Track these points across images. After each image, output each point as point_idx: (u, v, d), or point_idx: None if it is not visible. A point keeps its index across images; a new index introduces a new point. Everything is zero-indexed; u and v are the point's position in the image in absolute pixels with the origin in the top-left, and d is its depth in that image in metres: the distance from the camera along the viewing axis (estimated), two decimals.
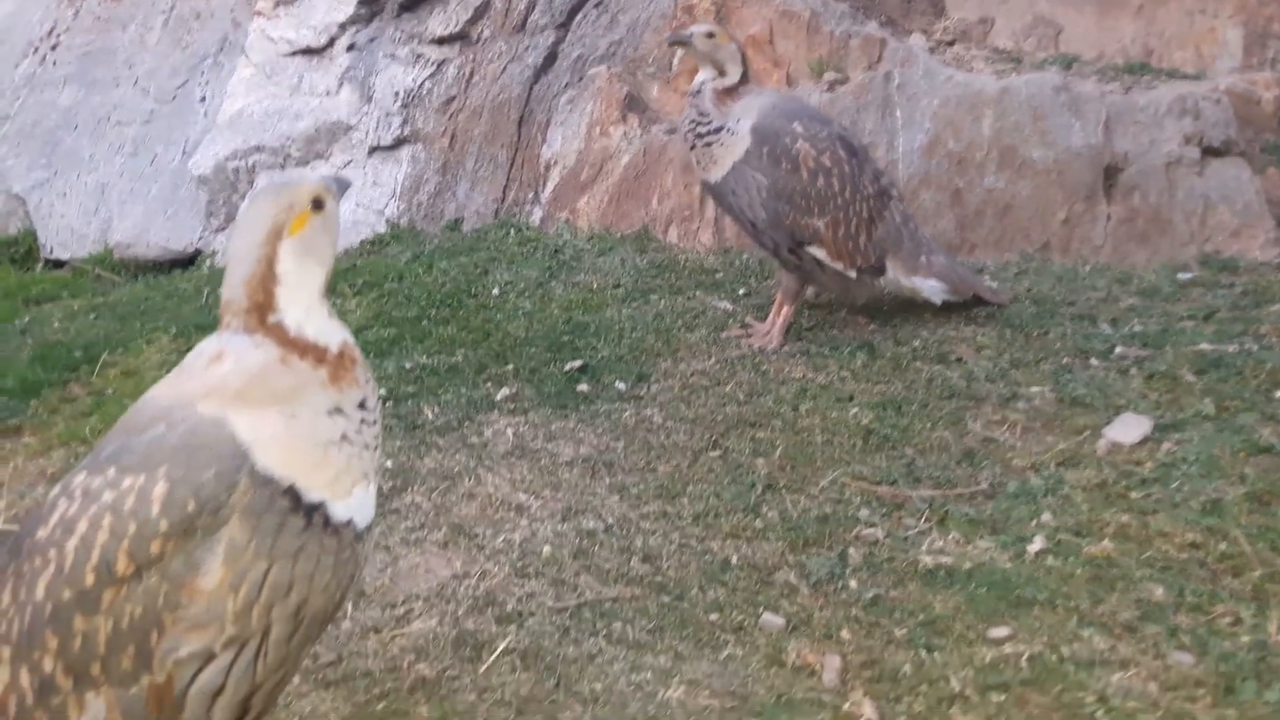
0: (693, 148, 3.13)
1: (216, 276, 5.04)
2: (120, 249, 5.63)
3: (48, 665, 1.33)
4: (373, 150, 5.20)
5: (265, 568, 1.36)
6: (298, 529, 1.38)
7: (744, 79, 3.12)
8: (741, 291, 3.64)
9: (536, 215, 4.67)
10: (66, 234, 5.86)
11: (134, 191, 5.75)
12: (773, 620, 2.12)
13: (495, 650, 2.11)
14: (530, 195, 4.78)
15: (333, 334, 1.49)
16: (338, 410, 1.46)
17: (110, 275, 5.49)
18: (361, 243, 5.03)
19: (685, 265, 3.96)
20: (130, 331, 4.22)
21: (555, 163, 4.67)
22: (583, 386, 3.14)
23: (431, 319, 3.85)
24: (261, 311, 1.45)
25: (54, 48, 6.26)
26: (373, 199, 5.15)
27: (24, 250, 6.04)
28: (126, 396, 3.65)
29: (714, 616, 2.17)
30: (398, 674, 2.07)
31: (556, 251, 4.30)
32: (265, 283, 1.46)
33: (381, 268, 4.38)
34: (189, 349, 4.23)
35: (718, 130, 3.06)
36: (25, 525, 1.42)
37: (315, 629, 1.46)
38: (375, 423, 1.52)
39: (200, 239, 5.53)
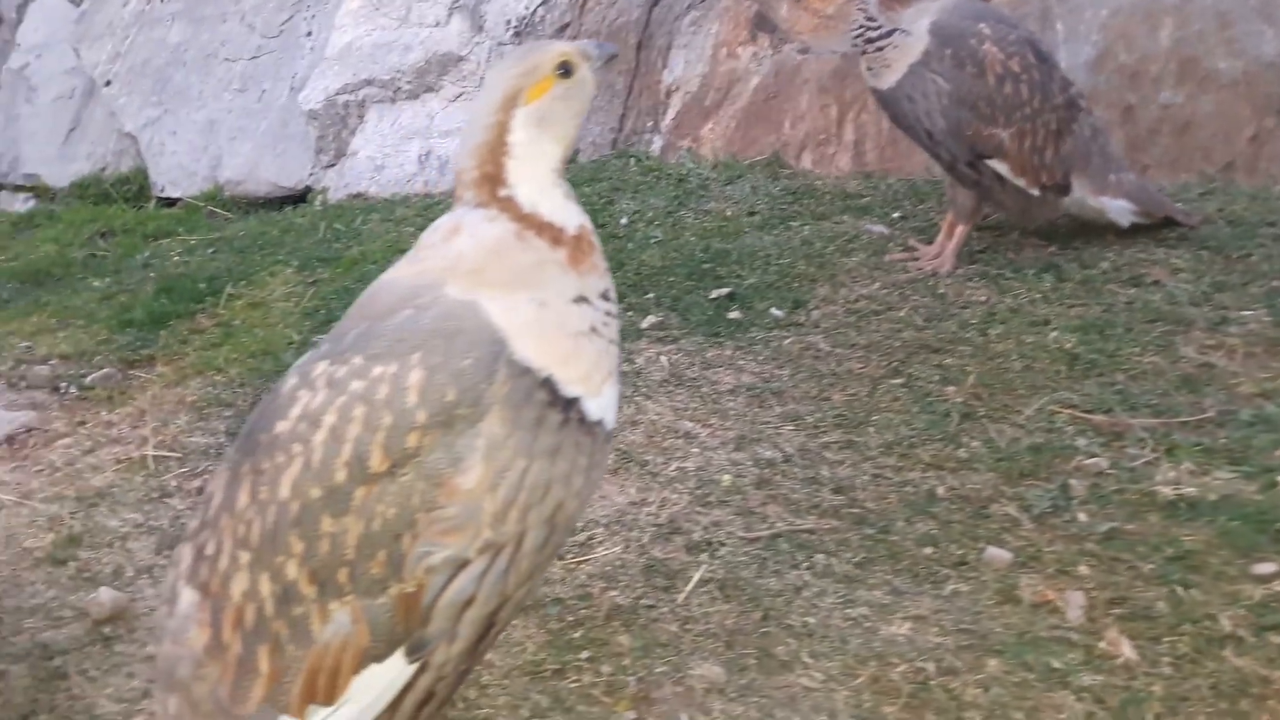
0: (863, 53, 2.91)
1: (331, 212, 4.96)
2: (230, 186, 5.59)
3: (291, 571, 1.21)
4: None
5: (524, 466, 1.22)
6: (555, 425, 1.24)
7: None
8: (895, 215, 3.41)
9: (657, 144, 4.47)
10: (177, 172, 5.83)
11: (243, 128, 5.68)
12: (998, 554, 1.94)
13: (691, 580, 1.98)
14: (649, 124, 4.57)
15: (570, 215, 1.34)
16: (583, 299, 1.31)
17: (222, 212, 5.46)
18: None
19: (824, 191, 3.73)
20: (250, 265, 4.16)
21: (677, 88, 4.45)
22: (734, 314, 2.96)
23: None
24: (491, 184, 1.31)
25: None
26: None
27: (136, 188, 6.05)
28: (256, 327, 3.59)
29: (928, 550, 1.99)
30: (590, 601, 1.95)
31: (681, 180, 4.11)
32: (495, 153, 1.32)
33: None
34: (312, 282, 4.14)
35: (889, 33, 2.83)
36: (255, 420, 1.30)
37: (562, 539, 1.32)
38: (617, 318, 1.37)
39: (310, 175, 5.45)
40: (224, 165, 5.66)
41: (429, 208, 4.51)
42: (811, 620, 1.85)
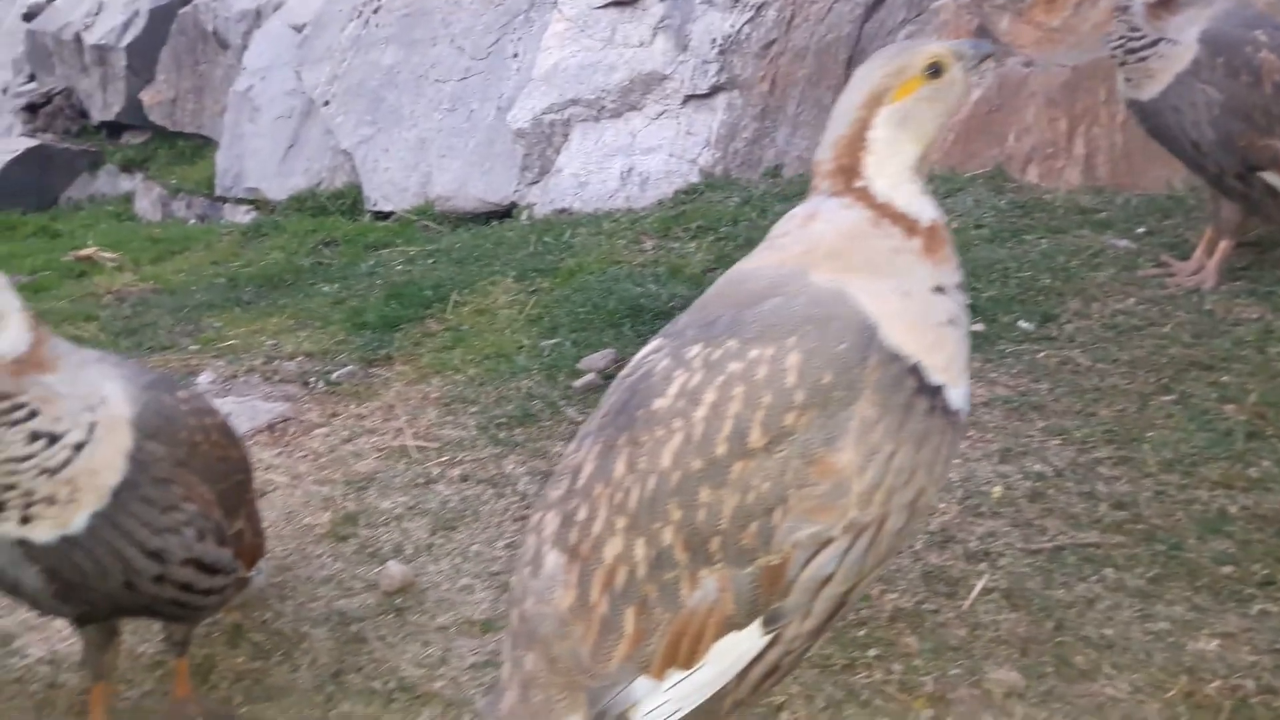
0: (1122, 64, 2.83)
1: (539, 226, 5.15)
2: (440, 202, 5.88)
3: (667, 537, 1.27)
4: (687, 99, 5.15)
5: (891, 450, 1.25)
6: (922, 412, 1.26)
7: None
8: (1140, 230, 3.30)
9: None
10: (389, 187, 6.18)
11: (452, 146, 5.98)
12: None
13: (974, 588, 1.96)
14: None
15: (924, 208, 1.37)
16: (940, 289, 1.34)
17: (434, 225, 5.74)
18: (675, 192, 5.00)
19: (1056, 205, 3.65)
20: (470, 275, 4.34)
21: None
22: (978, 326, 2.93)
23: None
24: (847, 175, 1.36)
25: (376, 10, 6.61)
26: (686, 148, 5.11)
27: (350, 202, 6.43)
28: (484, 332, 3.75)
29: (1227, 569, 1.91)
30: (870, 602, 1.95)
31: None
32: (853, 147, 1.36)
33: (712, 213, 4.31)
34: (532, 291, 4.30)
35: (1154, 43, 2.75)
36: (625, 399, 1.37)
37: (917, 527, 1.34)
38: (968, 311, 1.39)
39: (515, 191, 5.68)
40: (434, 181, 5.96)
41: (635, 222, 4.63)
42: (1109, 632, 1.80)
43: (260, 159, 7.08)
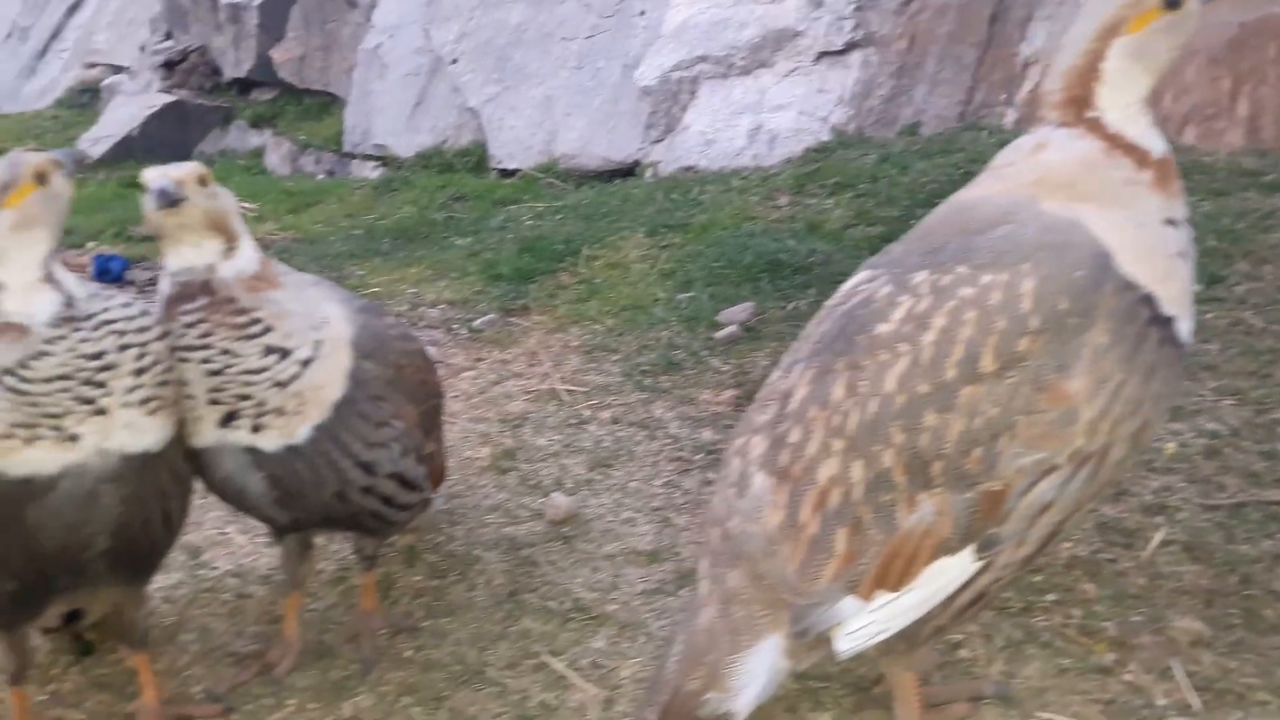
0: None
1: (665, 183, 5.18)
2: (564, 159, 5.96)
3: (887, 460, 1.30)
4: (820, 56, 5.10)
5: (1121, 380, 1.25)
6: (1154, 343, 1.27)
7: None
8: None
9: (1010, 117, 4.37)
10: (514, 145, 6.28)
11: (577, 105, 6.04)
12: None
13: (1152, 540, 1.94)
14: (1002, 97, 4.47)
15: (1155, 141, 1.36)
16: (1170, 222, 1.33)
17: (558, 183, 5.83)
18: (805, 150, 4.97)
19: (1217, 167, 3.51)
20: (599, 230, 4.40)
21: (1036, 60, 4.32)
22: None
23: (918, 218, 3.69)
24: (1078, 106, 1.36)
25: None
26: (817, 106, 5.07)
27: (475, 160, 6.57)
28: (618, 285, 3.81)
29: None
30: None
31: None
32: (1085, 78, 1.36)
33: (849, 170, 4.28)
34: (664, 246, 4.33)
35: None
36: (843, 325, 1.40)
37: (1137, 459, 1.34)
38: (1194, 246, 1.37)
39: (639, 150, 5.72)
40: (558, 140, 6.04)
41: (766, 179, 4.62)
42: None
43: (388, 116, 7.26)
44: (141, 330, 1.56)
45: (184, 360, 1.62)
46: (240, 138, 9.12)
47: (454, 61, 6.77)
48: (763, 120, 5.17)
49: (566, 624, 1.99)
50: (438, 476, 2.09)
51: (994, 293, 1.26)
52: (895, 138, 4.68)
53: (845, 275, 3.52)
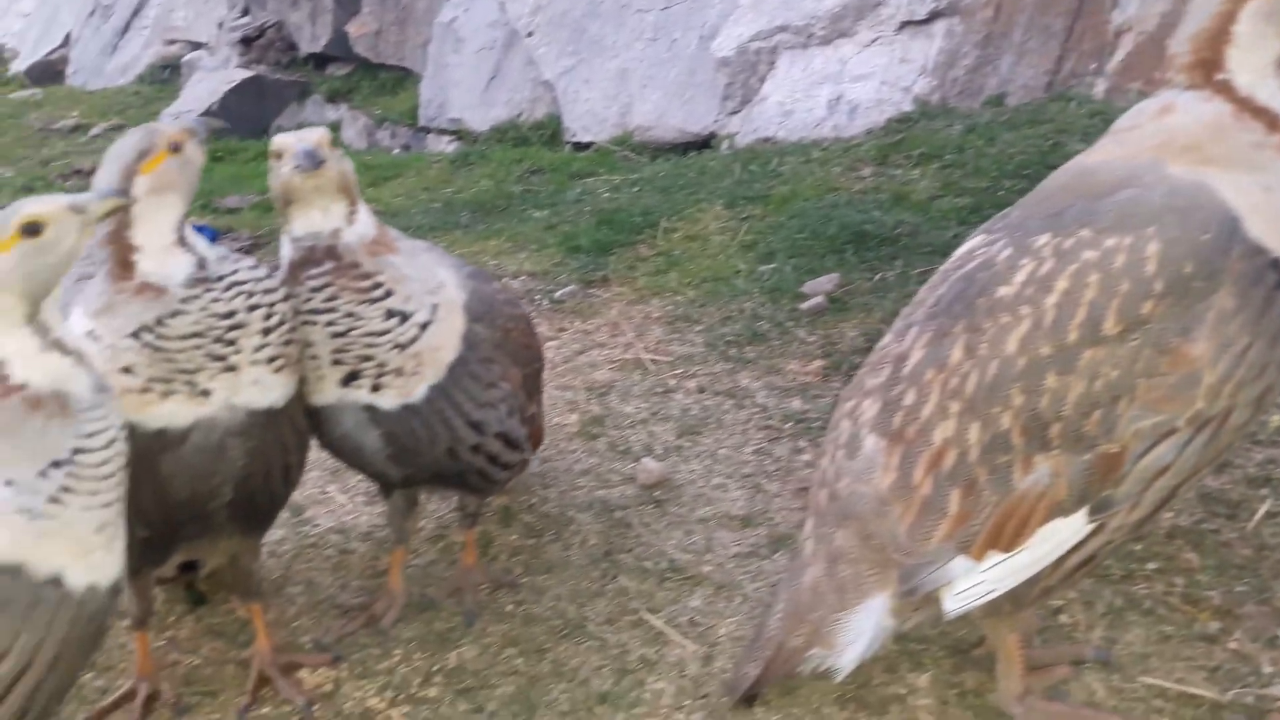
0: None
1: (743, 155, 5.17)
2: (639, 132, 5.97)
3: (1005, 422, 1.31)
4: (903, 25, 5.03)
5: (1246, 344, 1.24)
6: None
7: None
8: None
9: (1100, 87, 4.27)
10: (589, 118, 6.31)
11: (653, 77, 6.04)
12: None
13: (1257, 512, 1.92)
14: (1092, 66, 4.37)
15: None
16: None
17: (633, 155, 5.85)
18: (887, 121, 4.92)
19: None
20: (677, 202, 4.41)
21: (1129, 29, 4.22)
22: None
23: (1007, 190, 3.66)
24: (1206, 69, 1.34)
25: None
26: (900, 76, 5.00)
27: (549, 133, 6.61)
28: (697, 257, 3.82)
29: None
30: None
31: None
32: (1215, 40, 1.34)
33: (934, 140, 4.23)
34: (744, 218, 4.32)
35: None
36: (961, 288, 1.40)
37: (1256, 424, 1.33)
38: None
39: (715, 121, 5.71)
40: (633, 112, 6.05)
41: (847, 150, 4.59)
42: None
43: (463, 90, 7.34)
44: (268, 291, 1.63)
45: (310, 323, 1.68)
46: (317, 112, 9.30)
47: (529, 34, 6.81)
48: (843, 90, 5.12)
49: (663, 583, 2.04)
50: (536, 438, 2.15)
51: (1118, 256, 1.26)
52: (980, 108, 4.61)
53: (934, 247, 3.51)
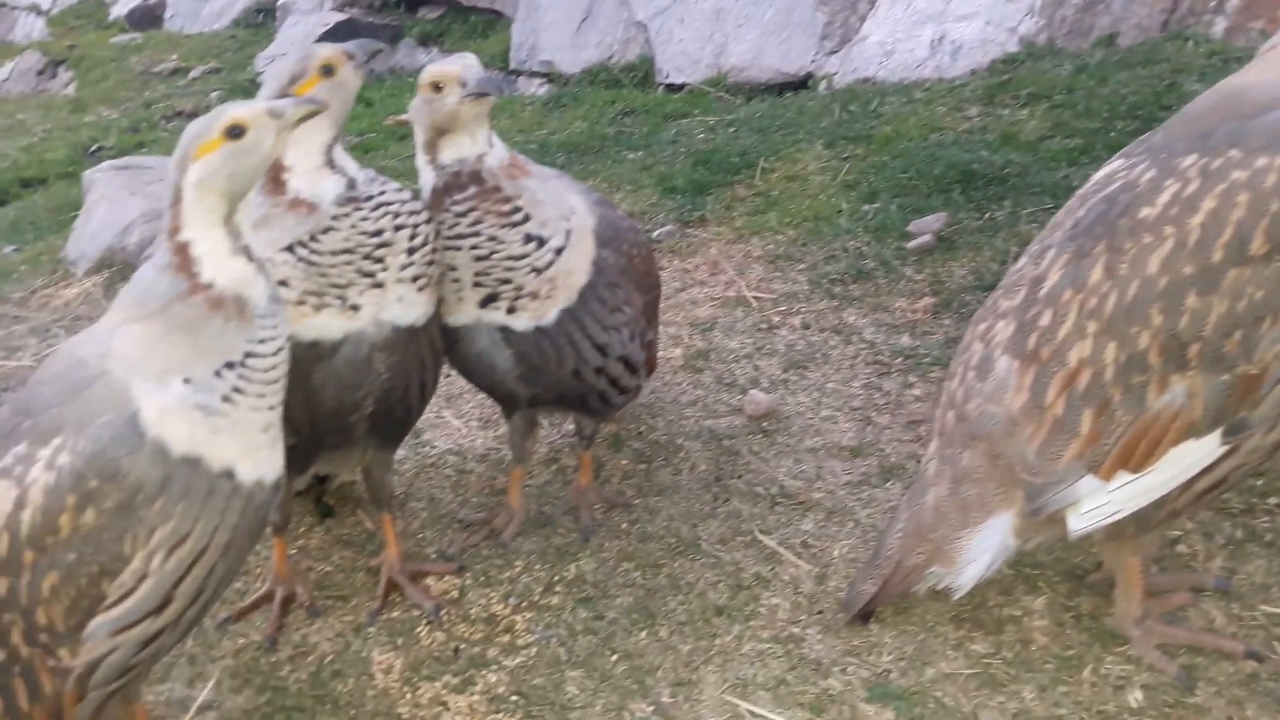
0: None
1: (842, 95, 5.10)
2: (734, 73, 5.92)
3: (1143, 341, 1.32)
4: None
5: None
6: None
7: None
8: None
9: (1219, 26, 4.10)
10: (682, 59, 6.27)
11: (748, 16, 5.97)
12: None
13: None
14: (1210, 5, 4.20)
15: None
16: None
17: (728, 96, 5.81)
18: (992, 62, 4.80)
19: None
20: (774, 143, 4.38)
21: None
22: None
23: (1119, 130, 3.56)
24: None
25: None
26: (1005, 16, 4.87)
27: (641, 75, 6.59)
28: (796, 197, 3.81)
29: None
30: None
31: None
32: None
33: (1043, 80, 4.12)
34: (845, 158, 4.26)
35: None
36: (1101, 210, 1.41)
37: None
38: None
39: (812, 61, 5.63)
40: (728, 52, 6.00)
41: (951, 90, 4.49)
42: None
43: (554, 32, 7.34)
44: (413, 213, 1.70)
45: (454, 248, 1.76)
46: (409, 55, 9.38)
47: None
48: (946, 30, 5.00)
49: (774, 508, 2.09)
50: (651, 364, 2.21)
51: (1269, 175, 1.25)
52: (1090, 48, 4.46)
53: (1044, 187, 3.45)
